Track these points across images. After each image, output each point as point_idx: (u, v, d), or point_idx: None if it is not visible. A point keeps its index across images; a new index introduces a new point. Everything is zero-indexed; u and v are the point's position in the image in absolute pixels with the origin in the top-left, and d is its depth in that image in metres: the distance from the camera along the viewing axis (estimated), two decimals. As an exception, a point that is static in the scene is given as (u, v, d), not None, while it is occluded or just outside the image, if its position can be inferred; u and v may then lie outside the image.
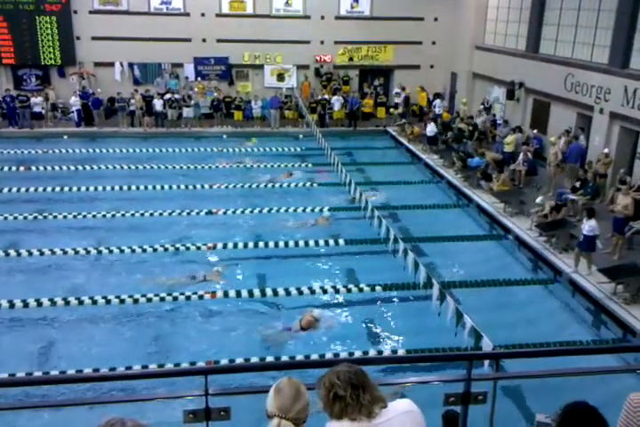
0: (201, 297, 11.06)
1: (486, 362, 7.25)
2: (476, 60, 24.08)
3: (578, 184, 14.68)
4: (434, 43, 26.14)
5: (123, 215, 15.07)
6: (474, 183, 17.28)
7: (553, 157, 16.52)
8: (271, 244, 13.44)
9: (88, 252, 12.87)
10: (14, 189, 16.68)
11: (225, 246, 13.29)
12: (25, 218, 14.70)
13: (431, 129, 20.94)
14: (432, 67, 26.43)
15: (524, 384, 8.08)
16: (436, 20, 25.89)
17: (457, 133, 20.53)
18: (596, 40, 17.33)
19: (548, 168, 16.80)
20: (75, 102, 23.20)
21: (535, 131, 18.73)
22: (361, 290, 11.41)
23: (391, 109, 24.81)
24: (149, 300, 10.91)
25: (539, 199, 14.03)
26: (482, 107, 22.58)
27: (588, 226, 11.46)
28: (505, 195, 15.68)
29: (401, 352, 9.39)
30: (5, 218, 14.61)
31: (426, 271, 10.71)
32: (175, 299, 11.00)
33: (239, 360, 8.93)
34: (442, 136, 21.08)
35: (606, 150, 15.72)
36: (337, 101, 24.37)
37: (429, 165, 19.78)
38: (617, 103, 15.84)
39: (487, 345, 8.42)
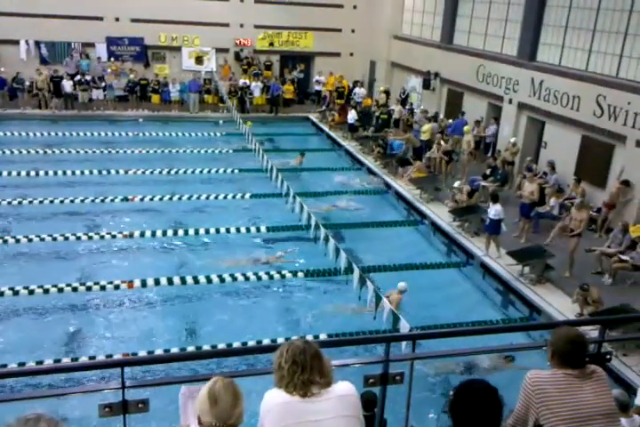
0: (117, 287, 10.71)
1: (404, 343, 7.52)
2: (394, 50, 24.52)
3: (488, 171, 15.37)
4: (353, 31, 26.35)
5: (30, 202, 14.27)
6: (392, 170, 17.70)
7: (466, 145, 17.19)
8: (191, 231, 13.19)
9: (-8, 242, 12.12)
10: None
11: (142, 235, 12.89)
12: None
13: (352, 116, 21.18)
14: (352, 55, 26.66)
15: (444, 364, 8.43)
16: (354, 7, 26.08)
17: (377, 124, 20.78)
18: (505, 33, 18.12)
19: (462, 156, 17.47)
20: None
21: (450, 120, 19.38)
22: (283, 277, 11.45)
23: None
24: (60, 290, 10.43)
25: (456, 183, 14.59)
26: (399, 97, 23.04)
27: (493, 210, 12.06)
28: (421, 181, 16.17)
29: (322, 337, 9.53)
30: None
31: (346, 257, 10.90)
32: (89, 289, 10.59)
33: (158, 351, 8.76)
34: (361, 123, 21.36)
35: (513, 139, 16.55)
36: (257, 87, 24.11)
37: (350, 152, 20.04)
38: (525, 94, 16.68)
39: (404, 327, 8.71)
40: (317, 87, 25.42)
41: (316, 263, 11.83)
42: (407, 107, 22.08)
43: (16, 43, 23.27)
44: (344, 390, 2.75)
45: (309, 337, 9.47)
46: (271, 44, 25.96)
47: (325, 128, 22.61)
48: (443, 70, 20.95)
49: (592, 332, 4.07)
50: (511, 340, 5.52)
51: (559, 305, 10.32)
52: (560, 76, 15.37)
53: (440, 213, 14.43)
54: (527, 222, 13.10)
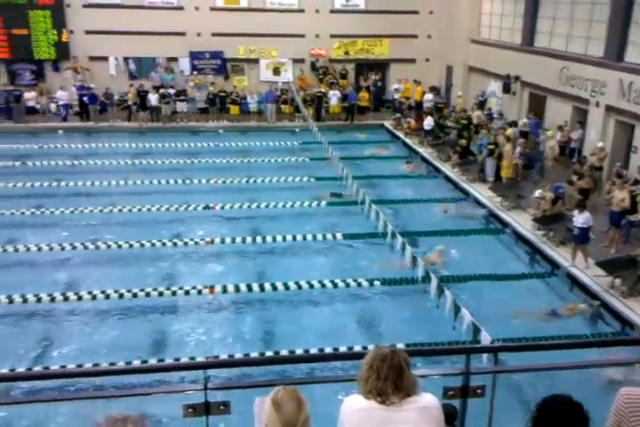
0: (200, 292, 11.08)
1: (484, 356, 7.31)
2: (472, 54, 24.06)
3: (575, 178, 14.71)
4: (429, 36, 26.09)
5: (120, 210, 15.06)
6: (471, 177, 17.32)
7: (550, 150, 16.56)
8: (269, 238, 13.44)
9: (85, 247, 12.86)
10: (11, 184, 16.61)
11: (223, 241, 13.29)
12: (22, 213, 14.65)
13: (428, 122, 20.96)
14: (428, 60, 26.39)
15: (525, 378, 8.13)
16: (431, 13, 25.82)
17: (458, 129, 20.37)
18: (591, 33, 17.34)
19: (546, 162, 16.84)
20: (62, 97, 23.08)
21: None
22: (359, 284, 11.43)
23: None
24: (148, 294, 10.91)
25: (537, 193, 14.06)
26: (476, 101, 22.55)
27: (581, 218, 11.53)
28: (503, 188, 15.72)
29: (399, 346, 9.42)
30: (2, 213, 14.56)
31: (424, 265, 10.75)
32: (174, 293, 11.01)
33: (238, 355, 8.98)
34: (439, 130, 21.08)
35: (600, 144, 15.76)
36: (334, 96, 24.32)
37: (426, 159, 19.79)
38: (612, 97, 15.86)
39: (485, 339, 8.48)
40: (395, 95, 25.18)
41: (392, 272, 11.74)
42: (485, 112, 21.57)
43: (105, 59, 24.76)
44: (426, 402, 2.72)
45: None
46: (346, 53, 26.14)
47: (401, 135, 22.48)
48: (523, 73, 20.32)
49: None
50: (601, 355, 5.25)
51: (654, 319, 9.70)
52: (652, 76, 14.53)
53: (523, 222, 13.95)
54: (617, 232, 12.42)
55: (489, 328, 8.79)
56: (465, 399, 3.52)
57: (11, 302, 10.60)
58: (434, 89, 25.04)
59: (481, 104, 22.34)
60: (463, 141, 18.78)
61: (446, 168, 18.44)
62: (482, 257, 12.90)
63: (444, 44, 25.40)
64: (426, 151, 20.30)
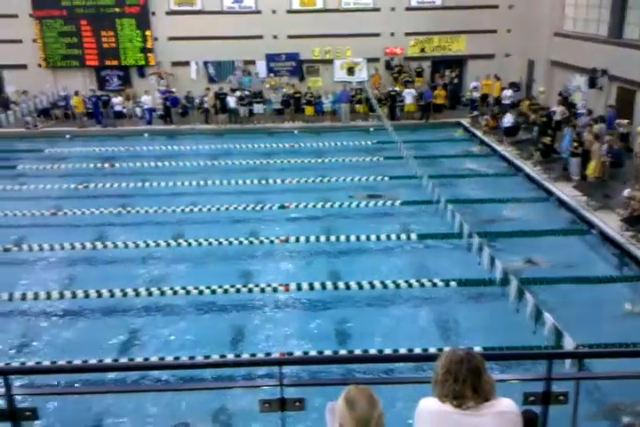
0: (275, 290, 11.27)
1: (568, 361, 7.00)
2: (555, 48, 23.08)
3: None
4: (509, 31, 25.31)
5: (200, 210, 15.58)
6: (554, 176, 16.62)
7: (638, 146, 15.62)
8: (342, 237, 13.47)
9: (168, 244, 13.38)
10: (100, 185, 17.56)
11: (297, 240, 13.45)
12: (110, 212, 15.45)
13: (507, 120, 20.31)
14: (507, 56, 25.61)
15: (611, 385, 7.72)
16: (510, 7, 25.05)
17: (540, 125, 19.62)
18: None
19: (635, 159, 15.89)
20: (147, 101, 24.10)
21: (622, 121, 17.72)
22: (435, 285, 11.23)
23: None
24: (225, 291, 11.21)
25: (626, 192, 13.29)
26: (560, 96, 21.62)
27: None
28: (588, 187, 14.99)
29: (477, 350, 9.17)
30: (92, 212, 15.42)
31: (502, 267, 10.42)
32: (250, 291, 11.26)
33: (312, 352, 9.06)
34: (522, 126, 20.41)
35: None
36: (409, 94, 24.05)
37: (505, 158, 19.18)
38: None
39: (569, 344, 8.12)
40: (476, 94, 24.51)
41: (469, 273, 11.46)
42: (573, 109, 20.61)
43: (187, 64, 25.69)
44: (504, 407, 2.64)
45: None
46: (422, 51, 25.80)
47: (478, 133, 21.90)
48: (611, 67, 19.27)
49: None
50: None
51: None
52: None
53: (610, 222, 13.24)
54: None
55: (573, 333, 8.40)
56: (546, 406, 3.39)
57: (99, 295, 11.20)
58: (513, 85, 24.24)
59: (564, 100, 21.37)
60: (547, 139, 18.07)
61: (528, 167, 17.79)
62: (565, 259, 12.35)
63: (525, 39, 24.54)
64: (505, 149, 19.67)
